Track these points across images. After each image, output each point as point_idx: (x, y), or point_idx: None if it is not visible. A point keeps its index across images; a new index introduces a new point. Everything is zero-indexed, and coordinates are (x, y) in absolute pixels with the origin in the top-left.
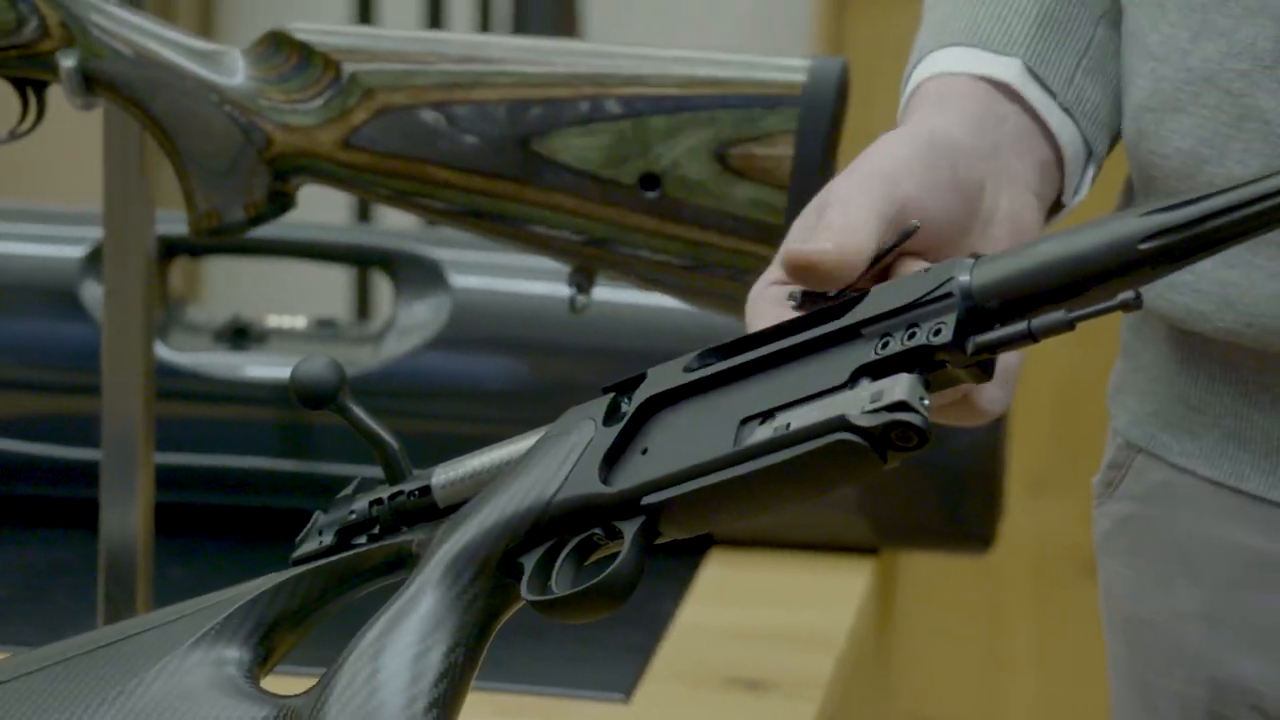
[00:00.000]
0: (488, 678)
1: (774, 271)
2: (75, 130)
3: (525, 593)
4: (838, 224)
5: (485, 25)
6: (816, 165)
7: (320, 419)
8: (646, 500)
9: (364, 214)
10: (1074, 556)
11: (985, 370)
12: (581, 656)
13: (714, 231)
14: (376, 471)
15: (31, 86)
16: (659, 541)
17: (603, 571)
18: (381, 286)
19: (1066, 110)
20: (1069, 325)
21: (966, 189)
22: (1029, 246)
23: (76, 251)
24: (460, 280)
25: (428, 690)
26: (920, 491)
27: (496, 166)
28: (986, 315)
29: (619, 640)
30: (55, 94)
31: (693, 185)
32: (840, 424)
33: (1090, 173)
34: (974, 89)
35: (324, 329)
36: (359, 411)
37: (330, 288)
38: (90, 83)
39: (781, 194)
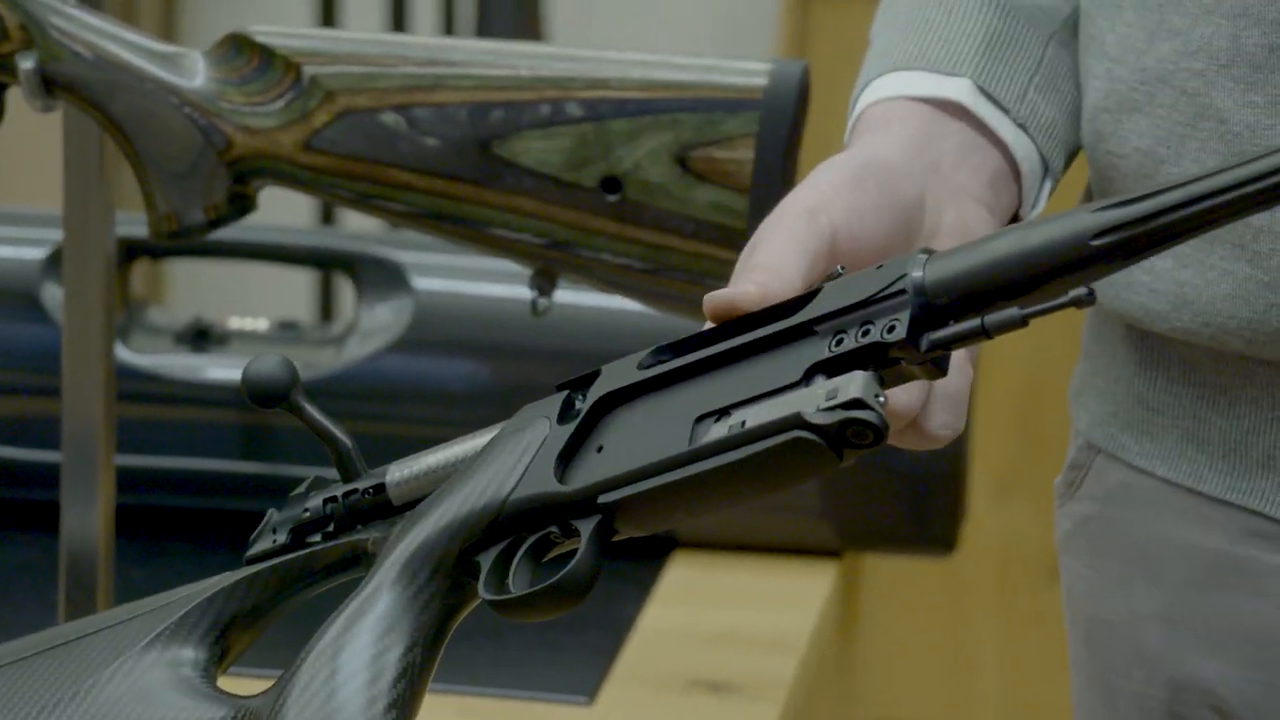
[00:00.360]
0: (450, 680)
1: None
2: (36, 132)
3: (483, 591)
4: (763, 263)
5: (449, 28)
6: (778, 169)
7: (282, 421)
8: (603, 499)
9: (327, 216)
10: (1038, 559)
11: (939, 367)
12: (544, 659)
13: (675, 235)
14: (337, 474)
15: None
16: (616, 539)
17: (560, 570)
18: (344, 289)
19: (1021, 126)
20: (1022, 322)
21: (901, 208)
22: (982, 242)
23: (37, 253)
24: (422, 283)
25: (386, 690)
26: (883, 494)
27: (457, 169)
28: (940, 311)
29: (582, 643)
30: (15, 96)
31: (654, 189)
32: (796, 422)
33: (1047, 187)
34: (914, 110)
35: (286, 331)
36: (312, 410)
37: (293, 290)
38: (49, 85)
39: (743, 197)
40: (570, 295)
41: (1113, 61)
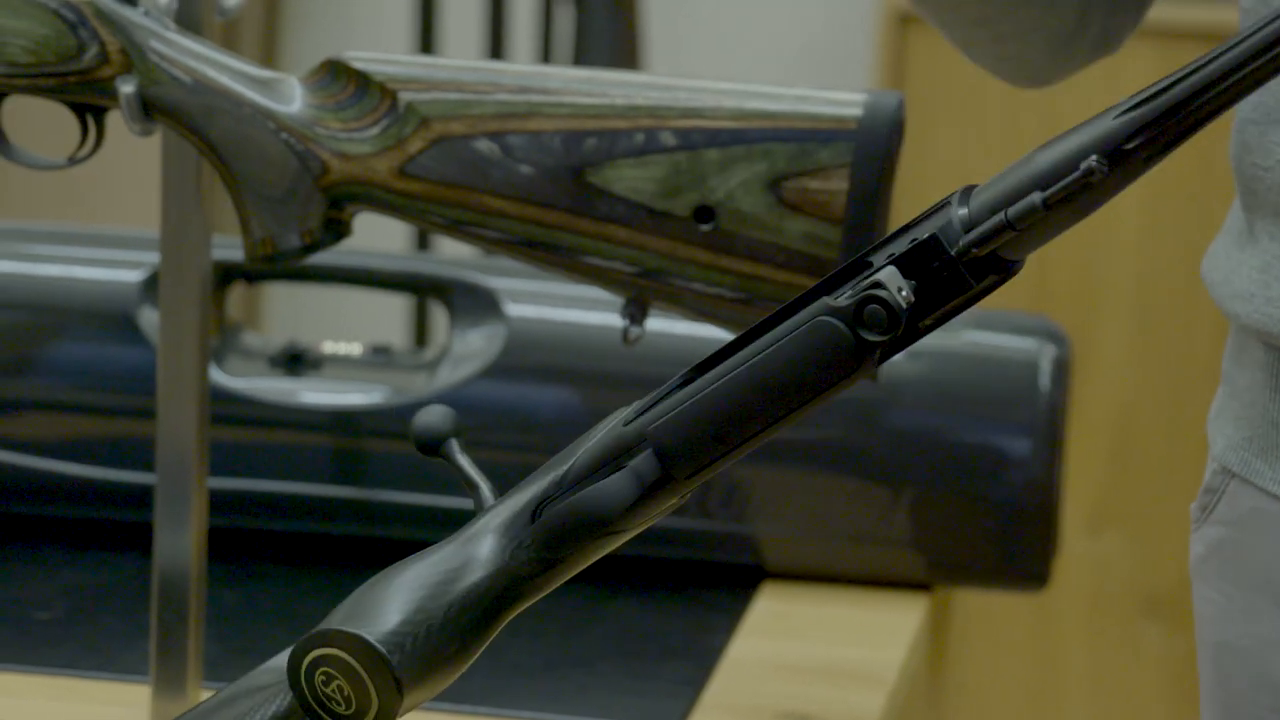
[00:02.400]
0: (539, 709)
1: None
2: (134, 155)
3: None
4: None
5: (546, 56)
6: (872, 200)
7: (374, 445)
8: (650, 428)
9: (423, 242)
10: (1131, 592)
11: (981, 271)
12: (632, 689)
13: (767, 265)
14: (429, 499)
15: (91, 112)
16: (683, 481)
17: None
18: (439, 314)
19: None
20: (1045, 205)
21: None
22: (1017, 166)
23: (134, 276)
24: (515, 309)
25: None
26: (974, 528)
27: (550, 197)
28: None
29: (670, 673)
30: (114, 119)
31: (746, 218)
32: (819, 309)
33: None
34: None
35: (379, 355)
36: (462, 460)
37: (388, 315)
38: (149, 108)
39: (836, 228)
40: (661, 324)
41: None
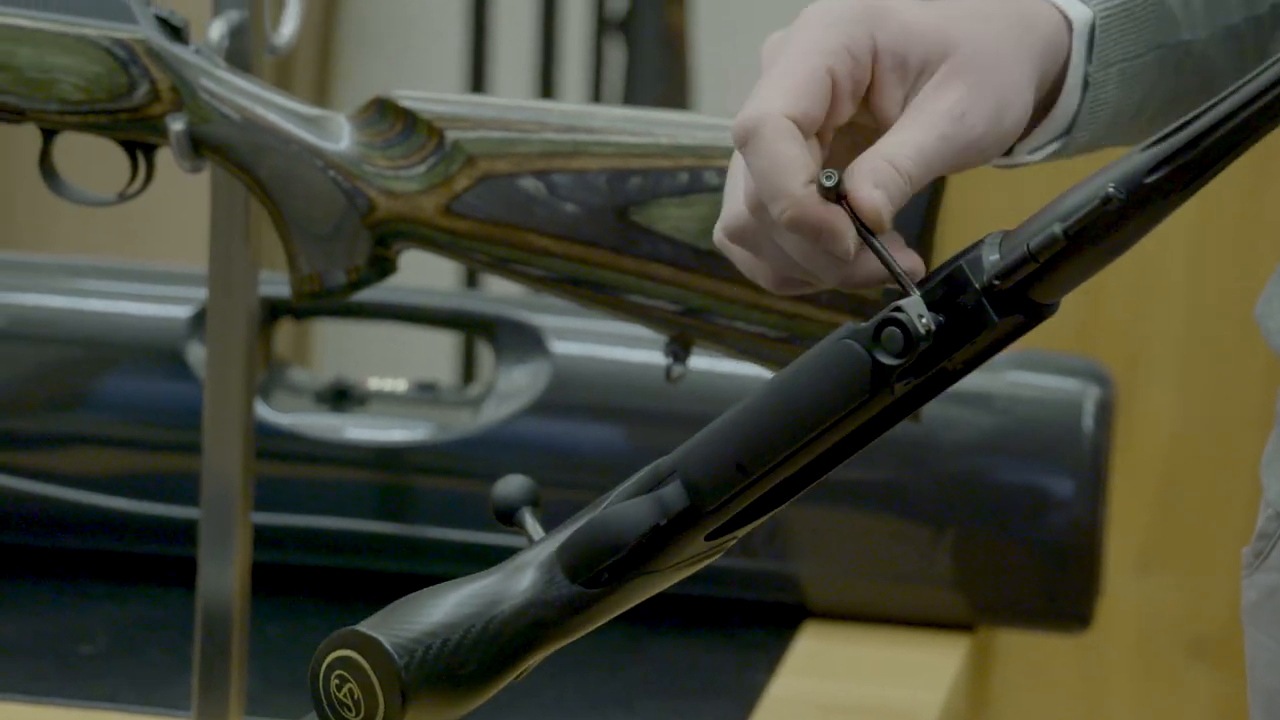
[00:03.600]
0: None
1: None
2: (183, 191)
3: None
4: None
5: (597, 93)
6: (914, 238)
7: (419, 482)
8: (679, 456)
9: (470, 279)
10: (1179, 635)
11: (1010, 307)
12: None
13: (809, 304)
14: (475, 535)
15: (141, 149)
16: (707, 510)
17: None
18: (485, 351)
19: (1086, 81)
20: (1065, 236)
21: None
22: (1048, 207)
23: (183, 312)
24: (560, 347)
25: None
26: (1017, 568)
27: (595, 235)
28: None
29: (713, 711)
30: (164, 155)
31: None
32: (840, 333)
33: (1053, 147)
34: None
35: (424, 392)
36: (530, 527)
37: (435, 351)
38: (198, 146)
39: None
40: (705, 362)
41: None
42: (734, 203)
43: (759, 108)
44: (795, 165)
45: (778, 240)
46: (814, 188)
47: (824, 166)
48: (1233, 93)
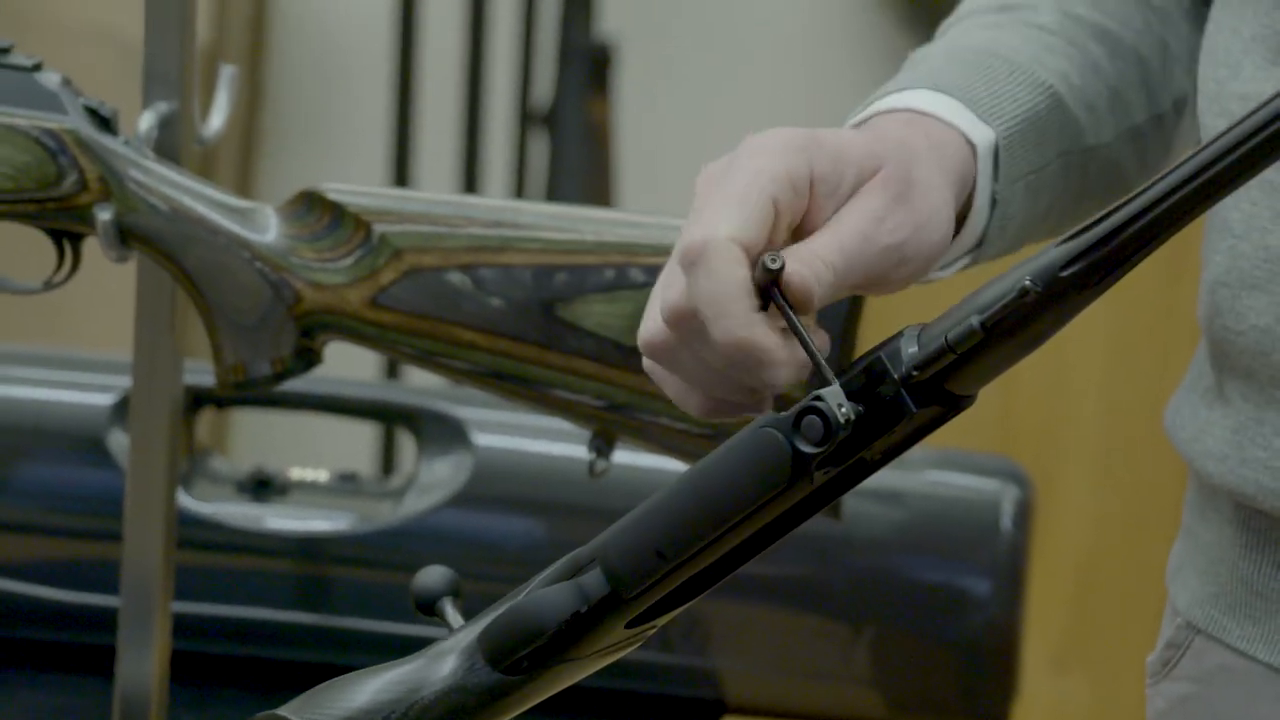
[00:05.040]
0: None
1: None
2: (107, 279)
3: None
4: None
5: (520, 186)
6: (838, 334)
7: (338, 572)
8: (599, 544)
9: (392, 370)
10: None
11: (928, 397)
12: None
13: None
14: (396, 626)
15: (68, 238)
16: (628, 597)
17: None
18: (406, 443)
19: (994, 199)
20: (982, 329)
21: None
22: (967, 299)
23: (105, 399)
24: (483, 439)
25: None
26: (934, 666)
27: (520, 330)
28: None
29: None
30: (91, 243)
31: None
32: (762, 421)
33: (963, 262)
34: (924, 120)
35: (345, 482)
36: (453, 617)
37: (356, 442)
38: (125, 236)
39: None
40: (628, 456)
41: (1236, 238)
42: (651, 319)
43: (707, 231)
44: (743, 290)
45: (701, 354)
46: (759, 314)
47: None
48: (1146, 189)
